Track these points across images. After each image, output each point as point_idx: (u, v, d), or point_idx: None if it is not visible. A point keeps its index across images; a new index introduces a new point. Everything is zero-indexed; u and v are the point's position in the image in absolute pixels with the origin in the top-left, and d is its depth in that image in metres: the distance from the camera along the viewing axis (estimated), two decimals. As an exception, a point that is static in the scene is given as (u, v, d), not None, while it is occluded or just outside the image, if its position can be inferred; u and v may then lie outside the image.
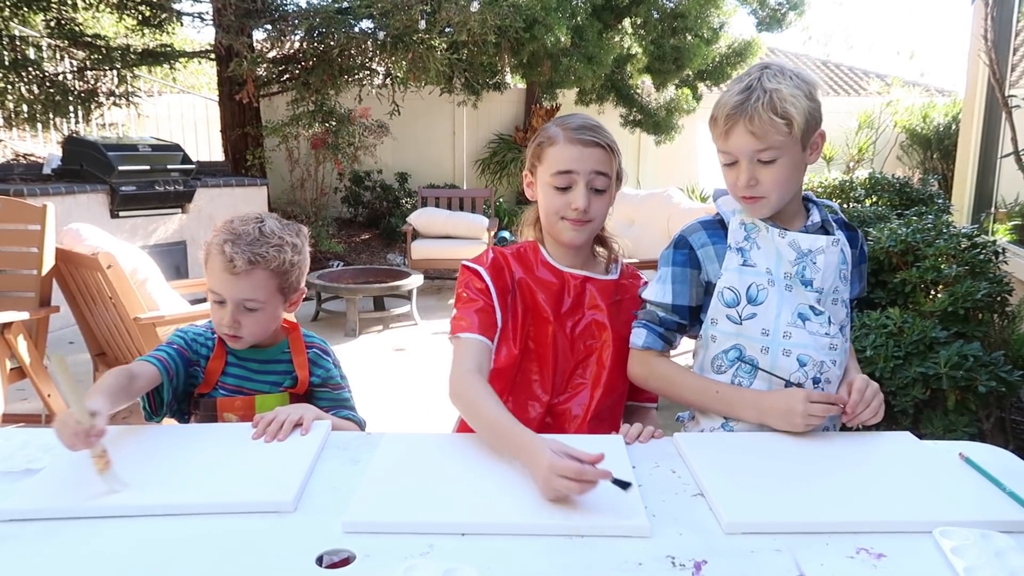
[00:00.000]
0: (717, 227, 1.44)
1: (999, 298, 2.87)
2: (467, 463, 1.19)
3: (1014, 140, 2.81)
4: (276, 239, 1.51)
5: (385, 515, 1.02)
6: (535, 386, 1.47)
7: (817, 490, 1.10)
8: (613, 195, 1.48)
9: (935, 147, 9.74)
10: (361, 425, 1.58)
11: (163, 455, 1.22)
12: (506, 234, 7.82)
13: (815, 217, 1.41)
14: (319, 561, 0.93)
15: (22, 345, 2.97)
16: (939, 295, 2.94)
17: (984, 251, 2.99)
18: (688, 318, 1.44)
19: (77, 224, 3.43)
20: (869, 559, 0.94)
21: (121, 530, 1.00)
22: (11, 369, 3.01)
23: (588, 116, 1.50)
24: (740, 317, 1.38)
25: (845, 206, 4.77)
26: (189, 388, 1.57)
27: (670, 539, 0.99)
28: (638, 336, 1.46)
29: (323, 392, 1.59)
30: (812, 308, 1.35)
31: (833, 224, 1.42)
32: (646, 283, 1.57)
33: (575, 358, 1.48)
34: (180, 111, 9.38)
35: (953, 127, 9.20)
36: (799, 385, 1.35)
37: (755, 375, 1.38)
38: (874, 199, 4.81)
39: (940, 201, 4.75)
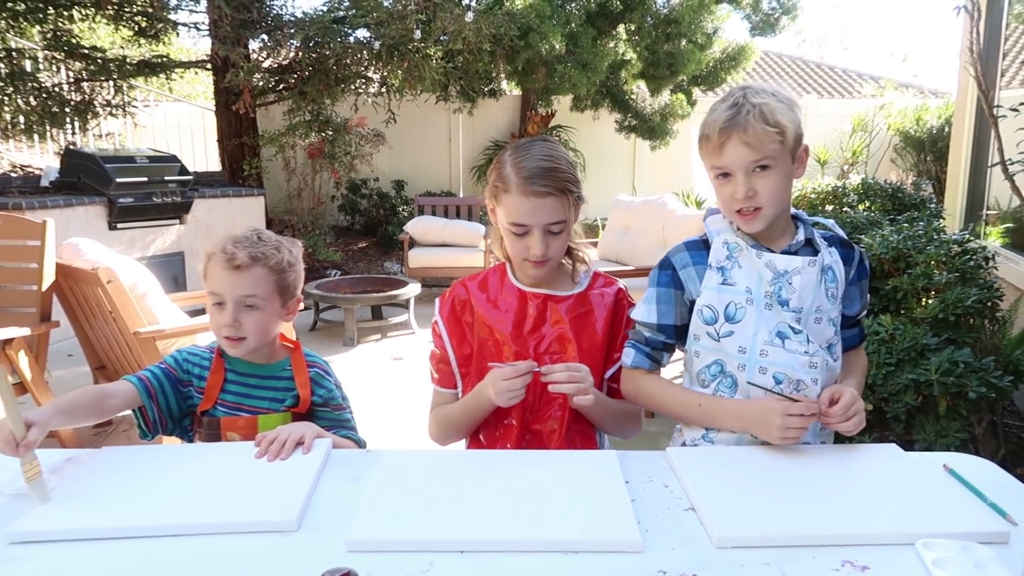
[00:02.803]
0: (701, 247, 1.47)
1: (989, 304, 2.91)
2: (466, 481, 1.22)
3: (1000, 150, 2.85)
4: (274, 242, 1.60)
5: (386, 533, 1.05)
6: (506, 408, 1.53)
7: (805, 504, 1.14)
8: (574, 221, 1.54)
9: (928, 149, 9.81)
10: (361, 445, 1.60)
11: (165, 474, 1.25)
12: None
13: (800, 236, 1.43)
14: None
15: (23, 360, 2.99)
16: (930, 302, 2.97)
17: (974, 257, 3.03)
18: (674, 337, 1.49)
19: (76, 239, 3.46)
20: (854, 571, 0.97)
21: (127, 550, 1.03)
22: (12, 384, 3.03)
23: (544, 151, 1.48)
24: (718, 334, 1.41)
25: (840, 211, 4.81)
26: (187, 408, 1.60)
27: (662, 553, 1.02)
28: (627, 356, 1.52)
29: (324, 412, 1.62)
30: (791, 327, 1.38)
31: (822, 242, 1.44)
32: (622, 289, 1.62)
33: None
34: (176, 120, 9.40)
35: (946, 129, 9.26)
36: (780, 394, 1.37)
37: (736, 388, 1.41)
38: (867, 204, 4.86)
39: (932, 206, 4.80)
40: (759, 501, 1.14)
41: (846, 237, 1.49)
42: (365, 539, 1.03)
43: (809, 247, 1.44)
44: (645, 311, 1.49)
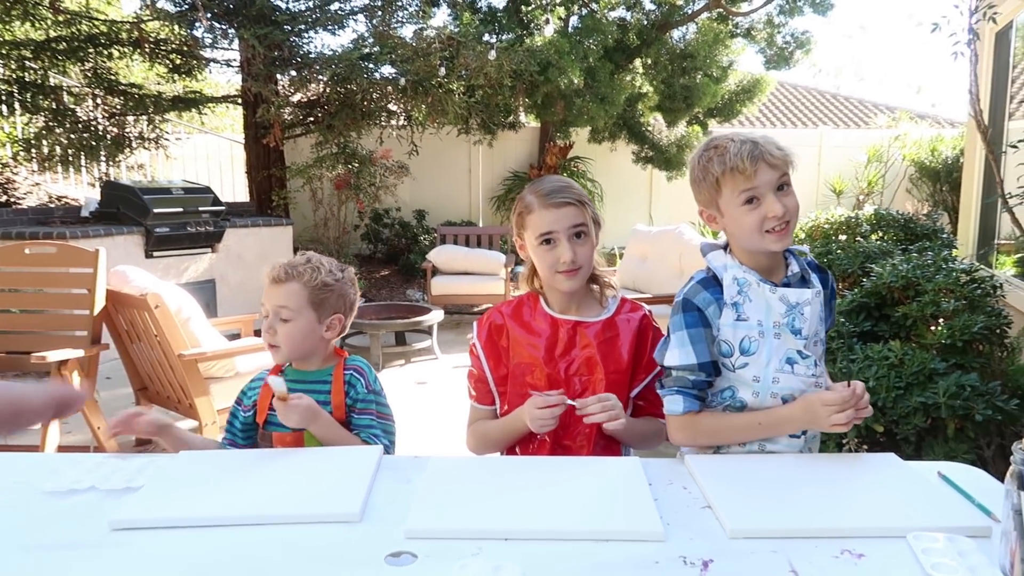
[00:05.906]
0: (714, 284, 1.55)
1: (998, 331, 3.01)
2: (507, 481, 1.37)
3: (999, 184, 2.99)
4: (315, 262, 1.79)
5: (441, 523, 1.20)
6: None
7: (809, 502, 1.27)
8: (595, 238, 1.71)
9: (944, 180, 9.90)
10: (387, 450, 1.70)
11: (240, 474, 1.41)
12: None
13: (794, 267, 1.56)
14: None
15: (76, 380, 3.18)
16: (939, 328, 3.08)
17: (982, 285, 3.14)
18: (712, 373, 1.54)
19: (124, 266, 3.67)
20: (851, 559, 1.10)
21: (218, 536, 1.19)
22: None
23: (557, 177, 1.74)
24: (733, 366, 1.52)
25: (853, 241, 4.93)
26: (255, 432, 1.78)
27: (682, 542, 1.16)
28: (676, 403, 1.53)
29: (351, 416, 1.74)
30: (799, 352, 1.51)
31: (809, 270, 1.57)
32: (646, 315, 1.75)
33: (571, 394, 1.67)
34: (206, 151, 9.73)
35: (961, 160, 9.36)
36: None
37: (744, 411, 1.53)
38: (879, 234, 4.98)
39: (944, 235, 4.91)
40: (768, 499, 1.28)
41: (816, 262, 1.63)
42: (422, 527, 1.18)
43: (800, 277, 1.57)
44: (682, 355, 1.51)
